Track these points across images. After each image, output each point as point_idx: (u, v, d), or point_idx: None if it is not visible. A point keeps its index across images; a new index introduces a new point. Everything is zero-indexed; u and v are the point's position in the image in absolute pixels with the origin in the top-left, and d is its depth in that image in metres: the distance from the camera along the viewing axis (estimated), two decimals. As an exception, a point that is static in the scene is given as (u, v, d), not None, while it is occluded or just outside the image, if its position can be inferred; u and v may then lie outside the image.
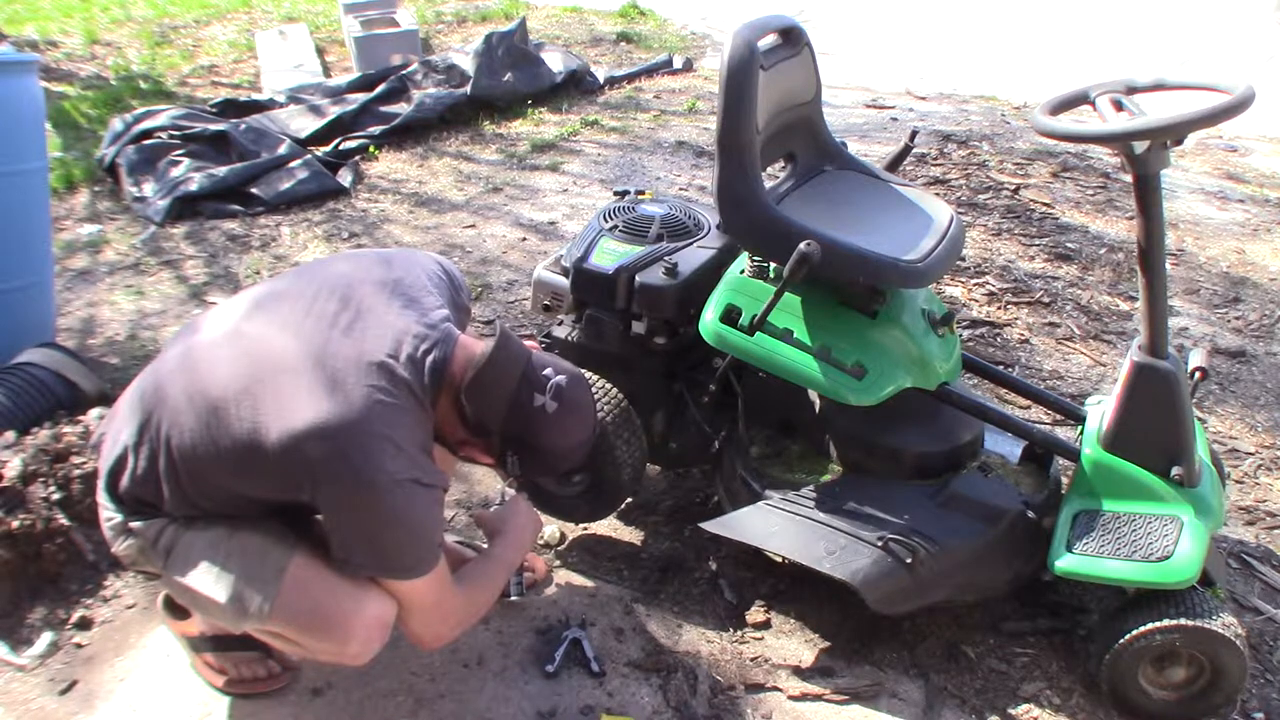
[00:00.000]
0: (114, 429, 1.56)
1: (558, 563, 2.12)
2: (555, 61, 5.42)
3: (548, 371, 1.57)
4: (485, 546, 1.83)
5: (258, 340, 1.48)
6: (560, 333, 2.17)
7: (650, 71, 5.83)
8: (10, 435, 2.17)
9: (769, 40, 1.87)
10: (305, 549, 1.51)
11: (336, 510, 1.42)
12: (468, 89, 4.90)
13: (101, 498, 1.56)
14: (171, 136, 4.17)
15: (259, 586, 1.47)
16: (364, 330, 1.46)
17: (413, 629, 1.56)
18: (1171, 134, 1.46)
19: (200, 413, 1.43)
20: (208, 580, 1.48)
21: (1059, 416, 2.42)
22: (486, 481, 2.37)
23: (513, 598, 1.95)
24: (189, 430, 1.44)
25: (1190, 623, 1.64)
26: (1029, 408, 2.61)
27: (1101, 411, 1.84)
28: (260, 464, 1.40)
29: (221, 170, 3.98)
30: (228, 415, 1.41)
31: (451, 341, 1.53)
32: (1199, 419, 2.41)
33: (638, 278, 1.99)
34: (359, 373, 1.41)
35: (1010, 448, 1.99)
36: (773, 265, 1.91)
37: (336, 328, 1.46)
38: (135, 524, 1.52)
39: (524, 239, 3.69)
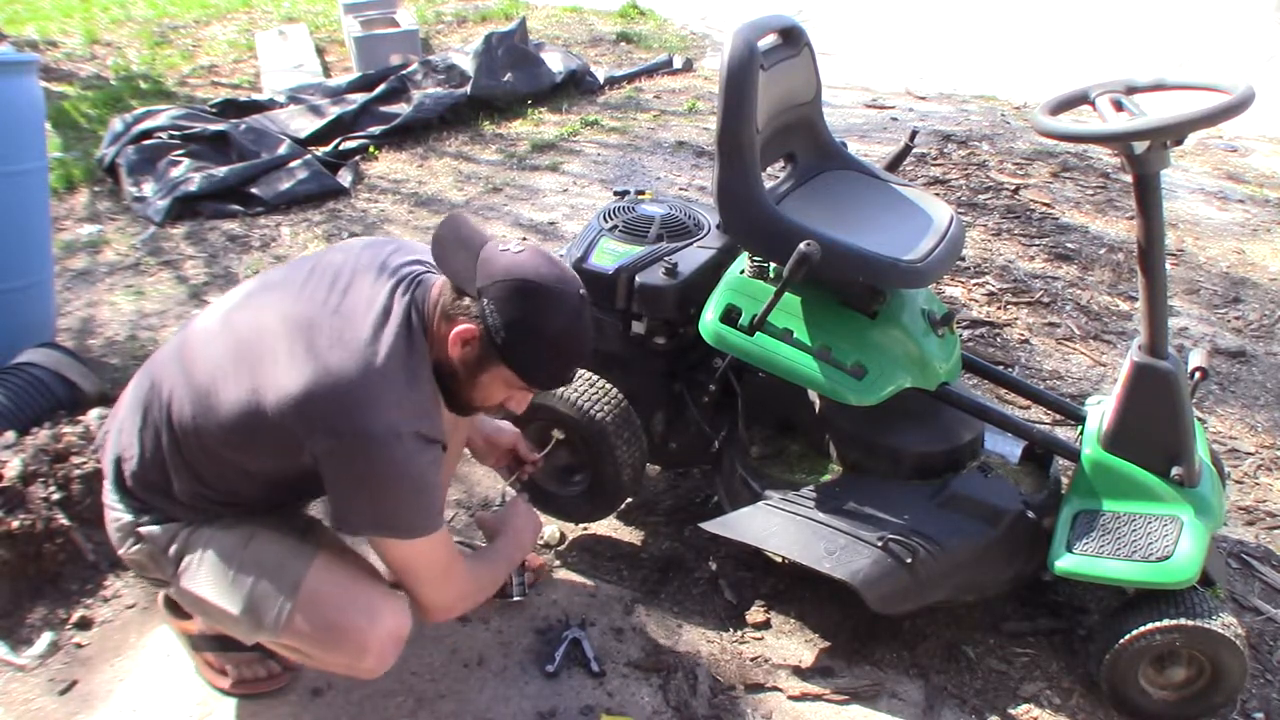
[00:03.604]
0: (116, 425, 1.56)
1: (558, 563, 2.13)
2: (555, 61, 5.42)
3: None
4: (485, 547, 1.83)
5: (250, 323, 1.48)
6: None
7: (650, 71, 5.83)
8: (10, 435, 2.17)
9: (769, 40, 1.87)
10: (321, 561, 1.50)
11: (336, 466, 1.38)
12: (468, 89, 4.90)
13: (109, 497, 1.55)
14: (171, 136, 4.17)
15: (274, 600, 1.46)
16: (354, 301, 1.45)
17: (420, 595, 1.51)
18: (1171, 134, 1.47)
19: (198, 388, 1.44)
20: (221, 592, 1.48)
21: (1059, 416, 2.42)
22: (486, 482, 2.37)
23: (514, 598, 1.95)
24: (189, 404, 1.44)
25: (1190, 623, 1.64)
26: (1029, 408, 2.61)
27: (1101, 411, 1.84)
28: (260, 427, 1.39)
29: (221, 170, 3.98)
30: (225, 384, 1.41)
31: (429, 281, 1.51)
32: (1199, 419, 2.41)
33: (638, 278, 1.99)
34: (354, 331, 1.40)
35: (1010, 448, 1.99)
36: (773, 265, 1.91)
37: (327, 305, 1.45)
38: (144, 529, 1.51)
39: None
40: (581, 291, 1.46)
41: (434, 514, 1.45)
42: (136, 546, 1.53)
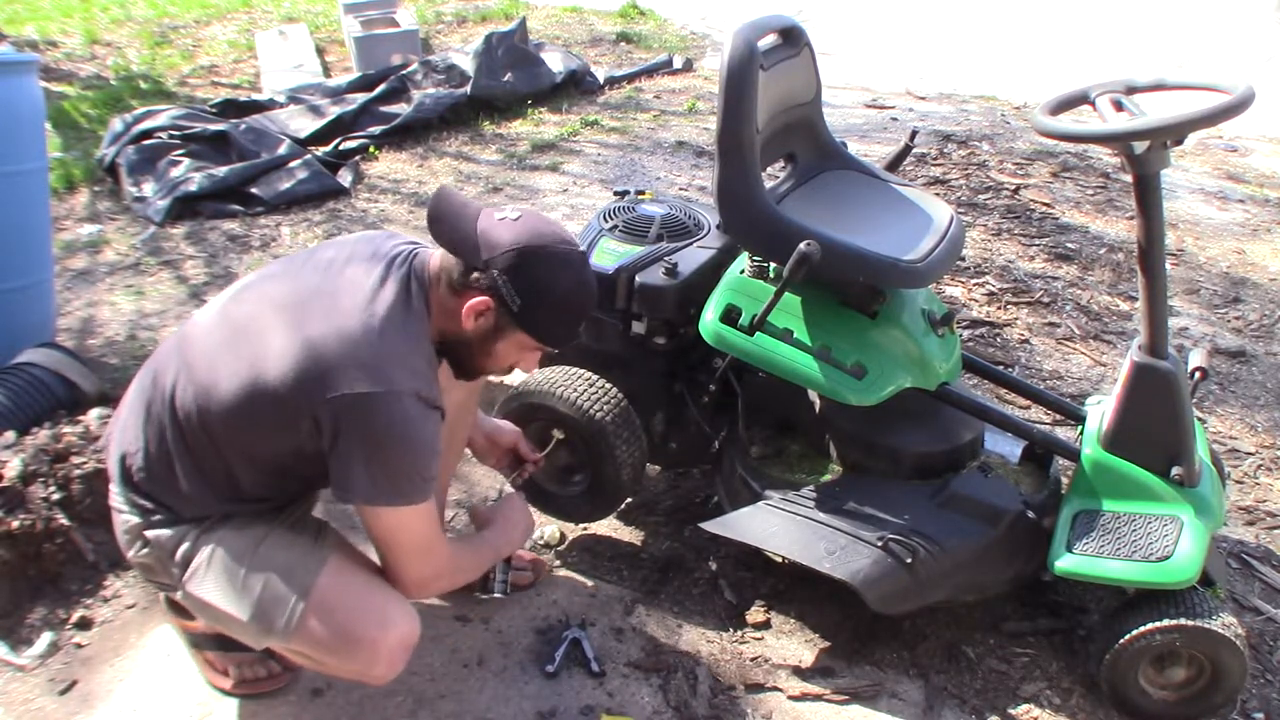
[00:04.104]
0: (119, 425, 1.56)
1: (558, 563, 2.13)
2: (555, 61, 5.42)
3: None
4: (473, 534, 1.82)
5: (247, 312, 1.49)
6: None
7: (650, 71, 5.83)
8: (10, 435, 2.17)
9: (769, 40, 1.87)
10: (333, 566, 1.50)
11: (337, 430, 1.38)
12: (468, 89, 4.90)
13: (115, 500, 1.54)
14: (171, 136, 4.17)
15: (285, 605, 1.46)
16: (350, 279, 1.47)
17: (399, 568, 1.51)
18: (1171, 134, 1.47)
19: (199, 377, 1.44)
20: (230, 597, 1.47)
21: (1059, 416, 2.42)
22: (486, 482, 2.37)
23: (496, 594, 1.94)
24: (190, 392, 1.44)
25: (1190, 623, 1.64)
26: (1029, 408, 2.61)
27: (1101, 411, 1.84)
28: (260, 403, 1.39)
29: (221, 170, 3.98)
30: (225, 368, 1.42)
31: (425, 255, 1.53)
32: (1199, 419, 2.41)
33: (638, 278, 1.99)
34: (351, 300, 1.42)
35: (1010, 448, 1.99)
36: (773, 265, 1.91)
37: (323, 288, 1.47)
38: (152, 533, 1.50)
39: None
40: (581, 248, 1.51)
41: (429, 480, 1.44)
42: (144, 550, 1.52)
